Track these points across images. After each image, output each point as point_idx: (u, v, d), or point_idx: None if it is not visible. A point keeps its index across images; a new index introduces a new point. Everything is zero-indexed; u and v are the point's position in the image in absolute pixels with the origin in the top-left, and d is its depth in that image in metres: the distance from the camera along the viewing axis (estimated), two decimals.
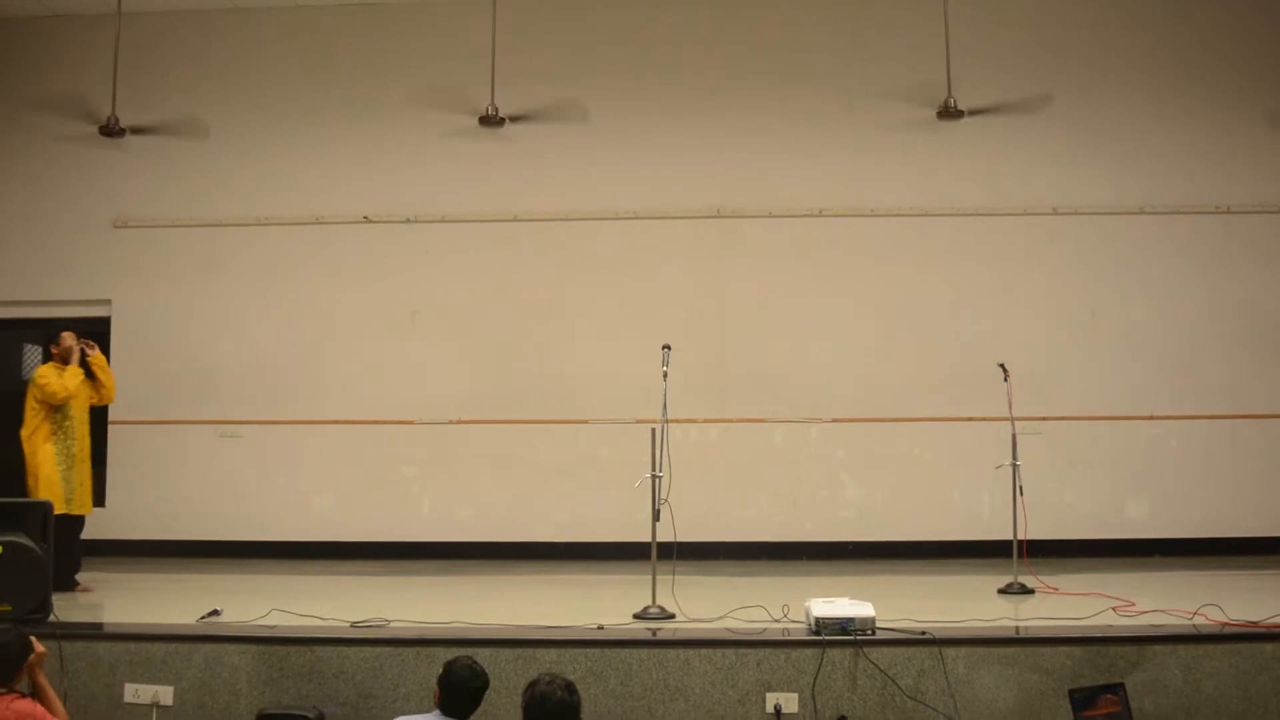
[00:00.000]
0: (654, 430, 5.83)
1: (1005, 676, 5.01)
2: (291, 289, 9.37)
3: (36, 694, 4.30)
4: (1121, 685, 4.86)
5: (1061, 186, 9.13)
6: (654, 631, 5.39)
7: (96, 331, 9.40)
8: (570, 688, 3.78)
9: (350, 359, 9.26)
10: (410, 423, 9.15)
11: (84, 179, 9.54)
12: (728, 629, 5.34)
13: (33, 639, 4.33)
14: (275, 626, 5.44)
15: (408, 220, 9.39)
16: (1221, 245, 9.04)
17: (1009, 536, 6.89)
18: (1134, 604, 5.84)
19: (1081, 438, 8.88)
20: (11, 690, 4.15)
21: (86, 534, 9.05)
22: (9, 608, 5.31)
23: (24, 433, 7.19)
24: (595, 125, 9.34)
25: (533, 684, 3.80)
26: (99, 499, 9.26)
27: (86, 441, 7.41)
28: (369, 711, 5.07)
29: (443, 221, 9.37)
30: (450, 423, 9.14)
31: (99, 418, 9.36)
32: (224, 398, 9.27)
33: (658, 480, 5.79)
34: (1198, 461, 8.86)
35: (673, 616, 5.67)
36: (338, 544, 9.00)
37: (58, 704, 4.35)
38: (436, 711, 4.24)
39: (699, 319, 9.13)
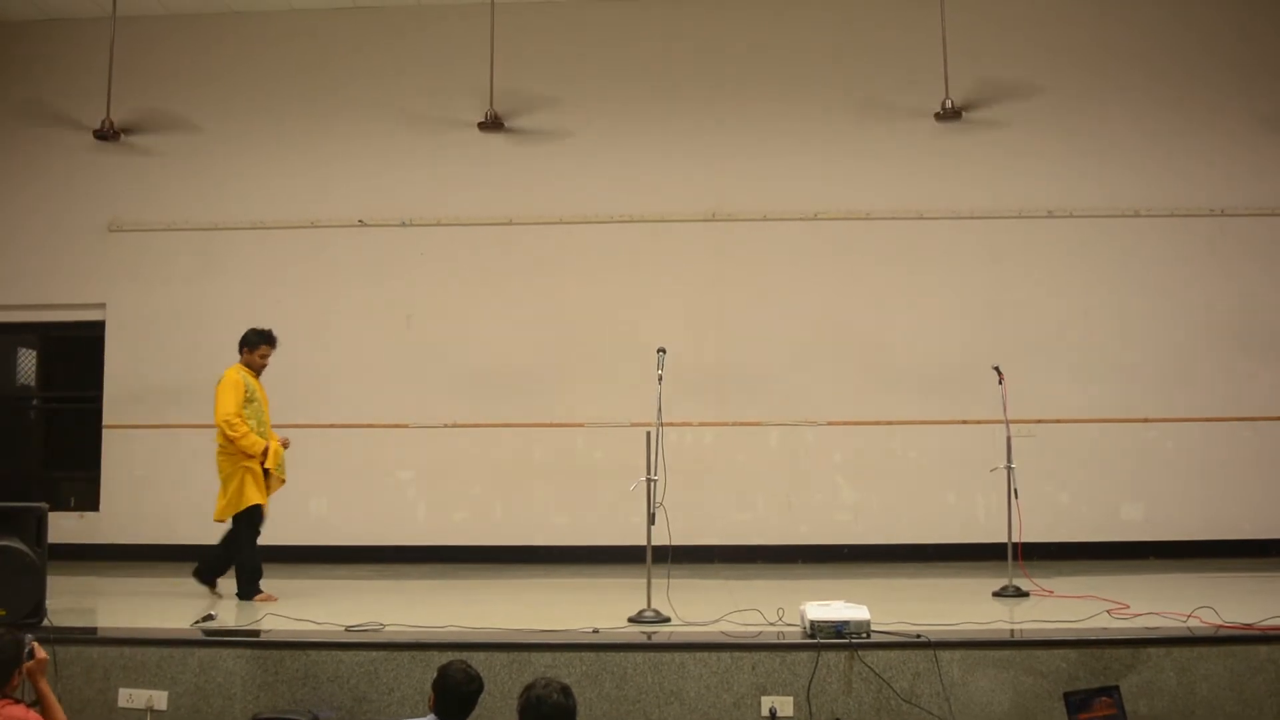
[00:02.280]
0: (649, 434, 5.84)
1: (1000, 679, 5.01)
2: (287, 293, 9.34)
3: (39, 701, 4.27)
4: (1116, 688, 4.86)
5: (1057, 189, 9.14)
6: (649, 635, 5.38)
7: (92, 335, 9.45)
8: (566, 691, 3.79)
9: (346, 362, 9.24)
10: (405, 426, 9.14)
11: (79, 182, 9.52)
12: (723, 632, 5.33)
13: (35, 645, 4.30)
14: (270, 631, 5.43)
15: (403, 224, 9.38)
16: (1216, 247, 9.06)
17: (1004, 539, 6.89)
18: (1129, 606, 5.83)
19: (1076, 440, 8.88)
20: (4, 696, 4.12)
21: (80, 538, 9.08)
22: (4, 612, 5.30)
23: (224, 438, 6.87)
24: (591, 128, 9.35)
25: (529, 687, 3.80)
26: (93, 503, 9.30)
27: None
28: (364, 715, 5.06)
29: (438, 225, 9.36)
30: (446, 426, 9.13)
31: (94, 419, 9.38)
32: None
33: (653, 484, 5.79)
34: (1193, 464, 8.87)
35: (668, 620, 5.67)
36: (333, 548, 8.98)
37: (59, 712, 4.31)
38: (431, 716, 4.23)
39: (695, 322, 9.13)
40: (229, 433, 6.79)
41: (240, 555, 6.83)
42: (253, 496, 6.82)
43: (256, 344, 7.10)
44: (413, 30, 9.54)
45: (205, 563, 7.02)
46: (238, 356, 7.16)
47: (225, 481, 6.86)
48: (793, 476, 8.99)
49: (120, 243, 9.49)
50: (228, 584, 6.88)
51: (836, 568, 8.44)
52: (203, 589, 6.92)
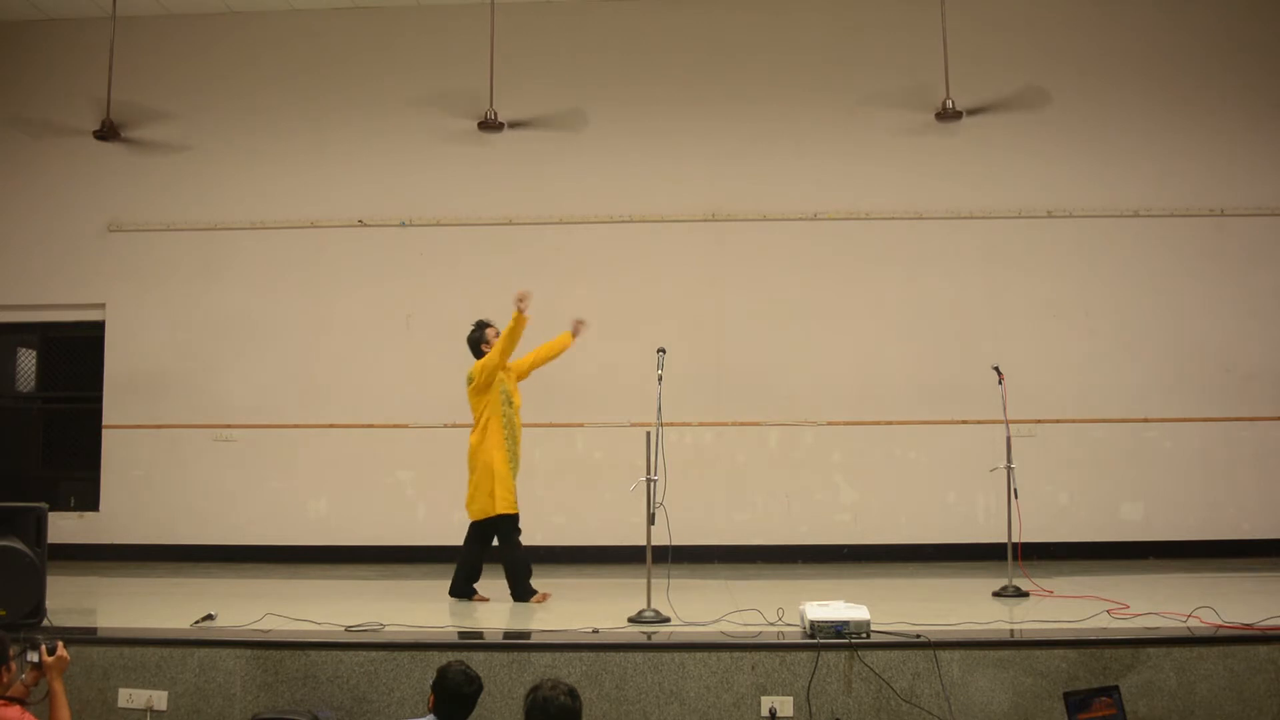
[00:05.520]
0: (649, 434, 5.84)
1: (1000, 679, 5.02)
2: (287, 293, 9.35)
3: (49, 697, 4.29)
4: (1116, 688, 4.86)
5: (1057, 189, 9.14)
6: (649, 635, 5.38)
7: (92, 335, 9.45)
8: (573, 693, 3.79)
9: (345, 363, 9.25)
10: (405, 426, 9.14)
11: (79, 183, 9.52)
12: (723, 632, 5.34)
13: (60, 644, 4.32)
14: (270, 631, 5.43)
15: (403, 224, 9.38)
16: (1216, 248, 9.05)
17: (1004, 539, 6.89)
18: (1128, 606, 5.84)
19: (1076, 440, 8.88)
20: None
21: (80, 538, 9.08)
22: (3, 612, 5.30)
23: (474, 439, 6.67)
24: (591, 129, 9.33)
25: (535, 688, 3.81)
26: (93, 503, 9.30)
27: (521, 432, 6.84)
28: (363, 716, 5.07)
29: (438, 225, 9.37)
30: (445, 426, 9.12)
31: (94, 419, 9.38)
32: (218, 402, 9.25)
33: (653, 484, 5.79)
34: (1192, 464, 8.87)
35: (668, 620, 5.67)
36: (333, 548, 8.98)
37: (64, 711, 4.32)
38: (431, 716, 4.24)
39: (695, 322, 9.12)
40: (496, 346, 6.65)
41: (511, 554, 6.70)
42: (505, 504, 6.61)
43: (483, 333, 6.95)
44: (412, 30, 9.54)
45: (461, 572, 6.79)
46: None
47: (479, 481, 6.66)
48: (792, 476, 8.99)
49: (120, 243, 9.49)
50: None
51: (836, 568, 8.44)
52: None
